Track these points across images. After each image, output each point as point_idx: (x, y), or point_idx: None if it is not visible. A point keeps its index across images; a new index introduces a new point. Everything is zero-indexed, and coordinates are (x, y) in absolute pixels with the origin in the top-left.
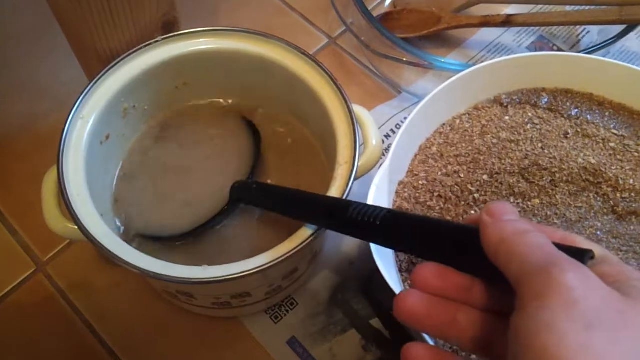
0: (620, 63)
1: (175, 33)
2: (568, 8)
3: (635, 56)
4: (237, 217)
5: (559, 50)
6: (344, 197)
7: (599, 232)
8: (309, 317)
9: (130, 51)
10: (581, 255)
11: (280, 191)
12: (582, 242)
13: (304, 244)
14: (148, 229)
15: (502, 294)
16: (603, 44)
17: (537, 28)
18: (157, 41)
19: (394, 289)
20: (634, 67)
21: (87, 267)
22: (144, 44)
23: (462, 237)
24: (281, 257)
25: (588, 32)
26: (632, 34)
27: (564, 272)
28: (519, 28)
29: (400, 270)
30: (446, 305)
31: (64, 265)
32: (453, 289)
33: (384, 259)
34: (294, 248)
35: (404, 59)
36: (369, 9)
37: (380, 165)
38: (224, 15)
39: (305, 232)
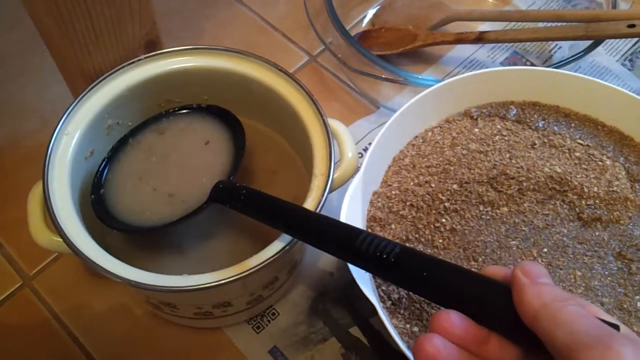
0: (585, 76)
1: (158, 52)
2: (541, 24)
3: (604, 70)
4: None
5: (532, 65)
6: (319, 208)
7: (565, 238)
8: (290, 326)
9: (114, 69)
10: (615, 329)
11: (278, 205)
12: (605, 316)
13: (280, 253)
14: (129, 218)
15: (519, 354)
16: (571, 59)
17: (511, 44)
18: (140, 59)
19: (370, 298)
20: (598, 80)
21: (73, 281)
22: (127, 62)
23: (488, 291)
24: (257, 266)
25: (560, 47)
26: (601, 49)
27: (624, 346)
28: (494, 44)
29: (374, 277)
30: (463, 356)
31: (50, 280)
32: (470, 340)
33: (362, 273)
34: (271, 257)
35: (381, 76)
36: (348, 27)
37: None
38: (208, 34)
39: (282, 242)
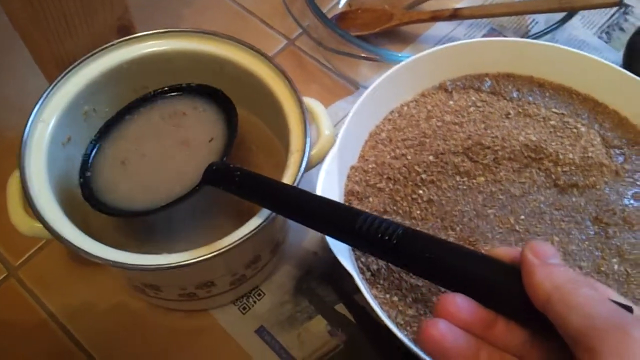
0: (558, 45)
1: (130, 36)
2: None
3: (582, 43)
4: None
5: None
6: (296, 183)
7: (542, 205)
8: (276, 306)
9: (87, 55)
10: (629, 311)
11: (274, 187)
12: (617, 297)
13: (256, 231)
14: (118, 202)
15: (527, 337)
16: (545, 31)
17: (488, 21)
18: (112, 44)
19: (348, 269)
20: (570, 49)
21: (59, 269)
22: (100, 48)
23: (495, 273)
24: (233, 243)
25: (537, 22)
26: (578, 23)
27: (638, 329)
28: (471, 21)
29: (353, 249)
30: (470, 341)
31: (35, 269)
32: (477, 324)
33: (341, 247)
34: (246, 235)
35: (359, 54)
36: (325, 10)
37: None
38: (186, 20)
39: (258, 219)
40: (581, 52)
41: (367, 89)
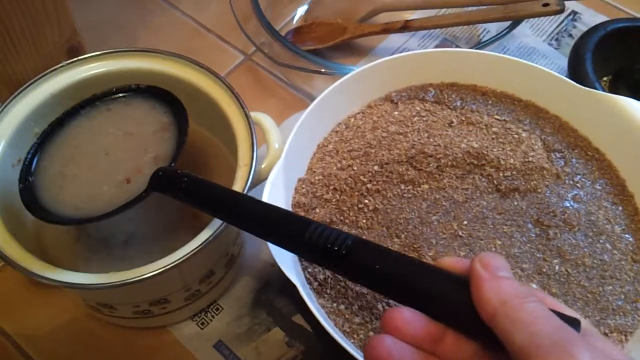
0: (499, 54)
1: (80, 57)
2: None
3: (532, 50)
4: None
5: None
6: None
7: (484, 210)
8: (234, 320)
9: (37, 77)
10: (575, 326)
11: (222, 193)
12: (564, 309)
13: (201, 246)
14: (61, 209)
15: (476, 350)
16: (492, 40)
17: (441, 31)
18: (62, 66)
19: (292, 280)
20: (512, 57)
21: (15, 291)
22: (50, 70)
23: (444, 286)
24: (172, 263)
25: (488, 31)
26: (528, 31)
27: (580, 349)
28: (424, 33)
29: (300, 260)
30: (418, 357)
31: None
32: (425, 338)
33: (285, 257)
34: (186, 255)
35: (310, 68)
36: (281, 25)
37: None
38: (142, 41)
39: (205, 235)
40: (521, 60)
41: None
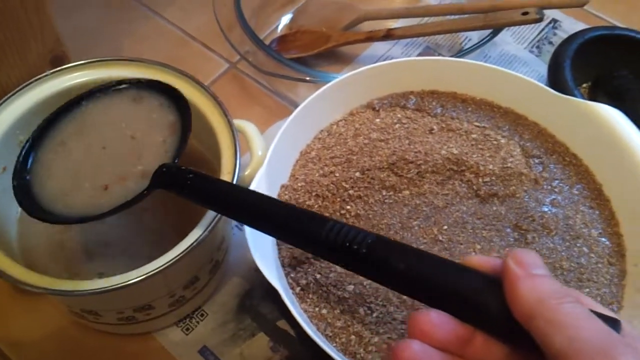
0: (478, 62)
1: (64, 66)
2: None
3: (513, 58)
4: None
5: None
6: None
7: (464, 215)
8: (219, 325)
9: (21, 86)
10: (616, 327)
11: (230, 190)
12: (602, 309)
13: (185, 253)
14: (58, 207)
15: (507, 353)
16: (472, 48)
17: (424, 39)
18: (46, 75)
19: (274, 285)
20: (491, 65)
21: (1, 299)
22: (34, 79)
23: (474, 285)
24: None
25: (470, 39)
26: (509, 39)
27: (624, 354)
28: (407, 41)
29: (282, 265)
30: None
31: None
32: (453, 341)
33: (268, 263)
34: (175, 257)
35: (293, 76)
36: (266, 33)
37: None
38: (126, 49)
39: (188, 242)
40: (500, 68)
41: None
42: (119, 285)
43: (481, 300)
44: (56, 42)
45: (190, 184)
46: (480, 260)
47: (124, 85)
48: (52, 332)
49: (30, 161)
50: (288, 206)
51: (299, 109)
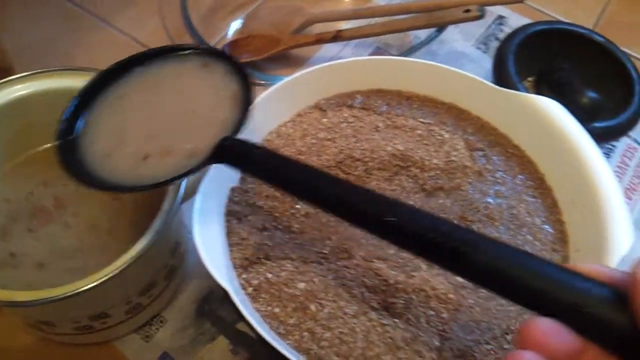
0: (421, 61)
1: (7, 78)
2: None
3: (461, 55)
4: None
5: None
6: (173, 209)
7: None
8: (178, 331)
9: None
10: None
11: (300, 169)
12: None
13: (134, 259)
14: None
15: None
16: (418, 46)
17: (374, 40)
18: None
19: (224, 286)
20: (434, 63)
21: None
22: None
23: (593, 294)
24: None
25: (419, 38)
26: (457, 36)
27: None
28: (357, 42)
29: (234, 266)
30: None
31: None
32: (564, 353)
33: (218, 263)
34: (124, 263)
35: None
36: (218, 39)
37: None
38: (78, 60)
39: (132, 252)
40: (442, 65)
41: None
42: (72, 293)
43: (604, 313)
44: (2, 54)
45: (260, 161)
46: (596, 269)
47: (189, 51)
48: (8, 344)
49: (78, 120)
50: (373, 194)
51: None
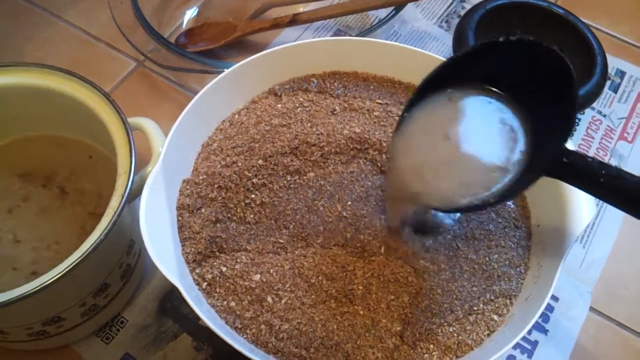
0: (375, 40)
1: None
2: None
3: (424, 34)
4: None
5: None
6: (121, 205)
7: (369, 190)
8: (140, 330)
9: None
10: None
11: None
12: None
13: (83, 256)
14: None
15: None
16: (375, 26)
17: (334, 22)
18: None
19: (174, 282)
20: (388, 42)
21: None
22: None
23: None
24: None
25: (379, 19)
26: (419, 15)
27: None
28: (318, 25)
29: (187, 261)
30: None
31: None
32: None
33: (164, 253)
34: (73, 262)
35: (196, 69)
36: (172, 29)
37: None
38: (29, 55)
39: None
40: (396, 44)
41: None
42: (21, 296)
43: None
44: None
45: (605, 182)
46: None
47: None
48: None
49: None
50: None
51: (193, 100)
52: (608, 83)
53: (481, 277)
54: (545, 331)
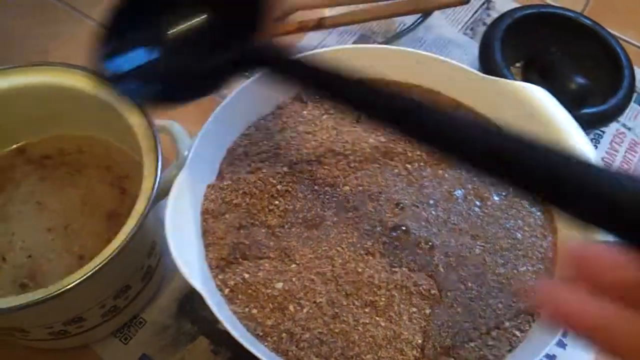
0: (402, 48)
1: None
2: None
3: (448, 41)
4: None
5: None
6: (148, 208)
7: (406, 200)
8: (158, 332)
9: None
10: None
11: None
12: None
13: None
14: None
15: None
16: (402, 32)
17: (359, 27)
18: None
19: (197, 289)
20: (415, 50)
21: None
22: None
23: None
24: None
25: (405, 25)
26: (444, 22)
27: None
28: (342, 29)
29: (210, 267)
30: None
31: None
32: (620, 284)
33: (189, 259)
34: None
35: None
36: None
37: None
38: (53, 54)
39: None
40: (424, 53)
41: None
42: (44, 298)
43: None
44: None
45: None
46: None
47: None
48: None
49: None
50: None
51: (221, 105)
52: (634, 96)
53: (508, 293)
54: (563, 345)
